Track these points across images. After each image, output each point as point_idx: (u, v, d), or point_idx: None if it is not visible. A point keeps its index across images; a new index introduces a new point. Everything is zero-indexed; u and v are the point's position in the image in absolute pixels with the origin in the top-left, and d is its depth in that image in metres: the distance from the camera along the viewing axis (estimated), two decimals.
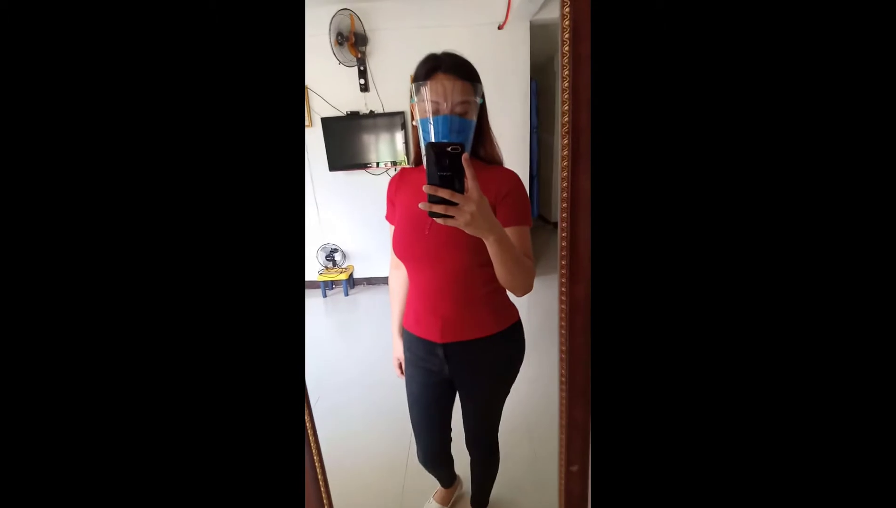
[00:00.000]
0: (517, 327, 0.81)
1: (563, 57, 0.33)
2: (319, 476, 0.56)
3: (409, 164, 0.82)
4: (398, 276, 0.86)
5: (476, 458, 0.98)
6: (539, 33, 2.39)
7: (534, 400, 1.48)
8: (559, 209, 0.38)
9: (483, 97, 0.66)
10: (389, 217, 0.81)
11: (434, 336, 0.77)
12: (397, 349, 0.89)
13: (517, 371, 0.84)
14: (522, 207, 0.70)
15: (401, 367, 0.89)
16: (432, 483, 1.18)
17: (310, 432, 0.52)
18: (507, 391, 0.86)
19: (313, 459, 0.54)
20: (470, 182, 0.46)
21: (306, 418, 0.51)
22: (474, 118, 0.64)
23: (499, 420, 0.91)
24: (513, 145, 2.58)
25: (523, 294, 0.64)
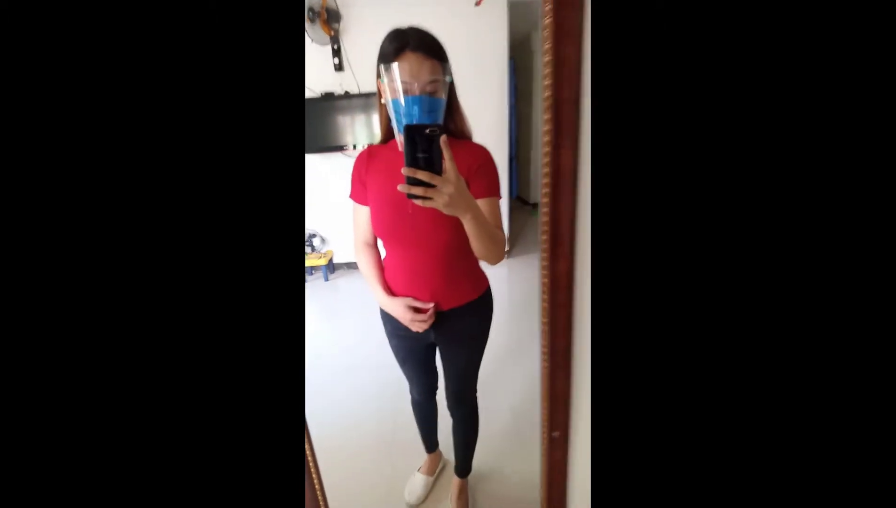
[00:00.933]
0: (488, 291, 0.87)
1: (545, 29, 0.33)
2: (309, 458, 0.57)
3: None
4: (371, 253, 0.86)
5: (458, 417, 1.02)
6: (517, 10, 2.35)
7: (513, 372, 1.53)
8: (540, 185, 0.38)
9: (451, 75, 0.65)
10: (355, 195, 0.80)
11: None
12: (398, 306, 0.84)
13: (489, 330, 0.91)
14: (493, 179, 0.72)
15: (411, 309, 0.84)
16: (417, 458, 1.22)
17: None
18: (483, 349, 0.91)
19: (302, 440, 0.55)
20: (448, 164, 0.47)
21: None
22: (444, 96, 0.64)
23: (476, 378, 0.97)
24: (491, 125, 2.56)
25: (496, 262, 0.67)
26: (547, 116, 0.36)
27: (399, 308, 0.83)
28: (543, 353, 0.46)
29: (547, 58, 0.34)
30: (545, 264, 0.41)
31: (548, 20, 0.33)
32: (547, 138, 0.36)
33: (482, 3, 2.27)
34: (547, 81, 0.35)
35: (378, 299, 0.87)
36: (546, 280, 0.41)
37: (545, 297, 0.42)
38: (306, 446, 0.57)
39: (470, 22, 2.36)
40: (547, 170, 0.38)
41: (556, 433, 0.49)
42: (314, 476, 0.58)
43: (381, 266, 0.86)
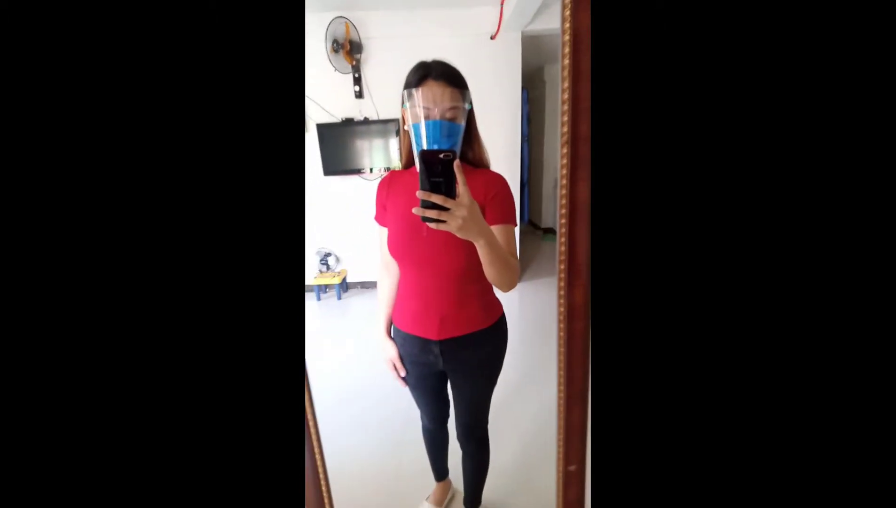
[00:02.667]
0: (503, 319, 0.86)
1: (563, 69, 0.35)
2: (321, 476, 0.56)
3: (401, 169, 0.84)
4: (385, 283, 0.88)
5: (468, 451, 1.00)
6: (530, 44, 2.44)
7: (525, 400, 1.50)
8: (558, 216, 0.39)
9: (471, 103, 0.69)
10: (379, 218, 0.82)
11: (431, 334, 0.80)
12: (389, 350, 0.91)
13: (502, 360, 0.90)
14: (509, 207, 0.73)
15: (395, 366, 0.91)
16: (424, 486, 1.19)
17: (313, 434, 0.53)
18: (496, 381, 0.90)
19: (315, 459, 0.54)
20: (461, 188, 0.48)
21: (310, 419, 0.51)
22: (463, 123, 0.66)
23: (488, 411, 0.96)
24: (504, 153, 2.61)
25: (509, 290, 0.68)
26: (564, 151, 0.38)
27: (386, 352, 0.89)
28: (559, 384, 0.46)
29: (565, 96, 0.36)
30: (562, 293, 0.41)
31: (566, 61, 0.35)
32: (564, 172, 0.38)
33: (497, 37, 2.36)
34: (565, 118, 0.36)
35: (379, 331, 0.90)
36: (563, 310, 0.42)
37: (561, 327, 0.43)
38: (319, 467, 0.56)
39: (486, 54, 2.45)
40: (564, 202, 0.39)
41: (572, 467, 0.48)
42: (325, 497, 0.57)
43: (393, 295, 0.88)
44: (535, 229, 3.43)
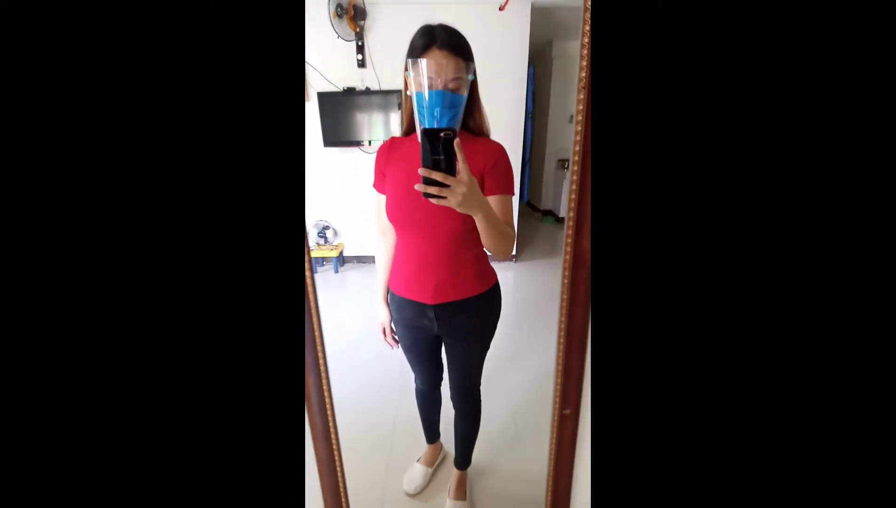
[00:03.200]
0: (496, 287, 0.89)
1: (584, 35, 0.35)
2: (333, 434, 0.58)
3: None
4: (383, 247, 0.90)
5: (460, 409, 1.05)
6: (539, 17, 2.37)
7: (516, 374, 1.54)
8: (571, 162, 0.40)
9: (475, 73, 0.69)
10: (377, 185, 0.83)
11: (426, 299, 0.82)
12: (383, 314, 0.93)
13: (496, 326, 0.93)
14: (507, 176, 0.75)
15: (385, 332, 0.94)
16: (417, 449, 1.22)
17: (326, 395, 0.55)
18: (489, 345, 0.94)
19: (327, 423, 0.56)
20: (461, 165, 0.50)
21: (323, 383, 0.53)
22: (465, 93, 0.67)
23: (481, 371, 1.01)
24: (507, 129, 2.57)
25: (504, 257, 0.71)
26: (578, 129, 0.39)
27: (379, 317, 0.92)
28: (560, 332, 0.48)
29: (582, 74, 0.37)
30: (569, 240, 0.43)
31: (587, 27, 0.36)
32: (580, 118, 0.39)
33: (506, 7, 2.29)
34: (581, 96, 0.37)
35: (377, 295, 0.93)
36: (568, 256, 0.43)
37: (566, 274, 0.44)
38: (331, 426, 0.59)
39: (494, 25, 2.39)
40: (577, 158, 0.41)
41: (567, 411, 0.51)
42: (337, 465, 0.60)
43: (390, 263, 0.90)
44: (533, 210, 3.41)
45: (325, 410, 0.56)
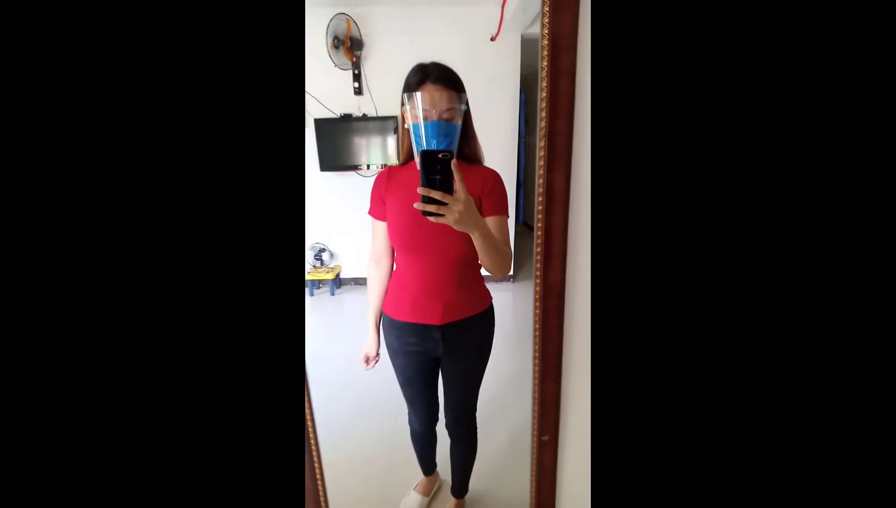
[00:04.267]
0: (492, 307, 0.93)
1: (543, 70, 0.38)
2: (317, 469, 0.59)
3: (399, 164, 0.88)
4: (380, 270, 0.93)
5: (457, 438, 1.05)
6: (529, 46, 2.46)
7: (514, 395, 1.53)
8: (535, 203, 0.43)
9: (467, 104, 0.73)
10: (375, 212, 0.87)
11: (434, 319, 0.85)
12: (371, 342, 0.95)
13: (492, 344, 0.96)
14: (503, 200, 0.79)
15: (367, 360, 0.96)
16: (413, 477, 1.22)
17: (310, 429, 0.55)
18: (486, 365, 0.96)
19: (311, 453, 0.57)
20: (458, 185, 0.53)
21: (307, 414, 0.54)
22: (459, 122, 0.72)
23: (477, 395, 1.02)
24: (501, 153, 2.63)
25: (501, 276, 0.74)
26: (542, 144, 0.42)
27: (367, 344, 0.95)
28: (535, 359, 0.50)
29: (544, 94, 0.40)
30: (538, 273, 0.45)
31: (544, 63, 0.39)
32: (542, 163, 0.41)
33: (498, 38, 2.39)
34: (543, 114, 0.40)
35: (367, 320, 0.95)
36: (538, 289, 0.45)
37: (538, 304, 0.46)
38: (315, 456, 0.59)
39: (486, 55, 2.48)
40: (542, 190, 0.43)
41: (545, 437, 0.52)
42: (319, 485, 0.60)
43: (384, 289, 0.93)
44: (529, 229, 3.44)
45: (308, 443, 0.56)
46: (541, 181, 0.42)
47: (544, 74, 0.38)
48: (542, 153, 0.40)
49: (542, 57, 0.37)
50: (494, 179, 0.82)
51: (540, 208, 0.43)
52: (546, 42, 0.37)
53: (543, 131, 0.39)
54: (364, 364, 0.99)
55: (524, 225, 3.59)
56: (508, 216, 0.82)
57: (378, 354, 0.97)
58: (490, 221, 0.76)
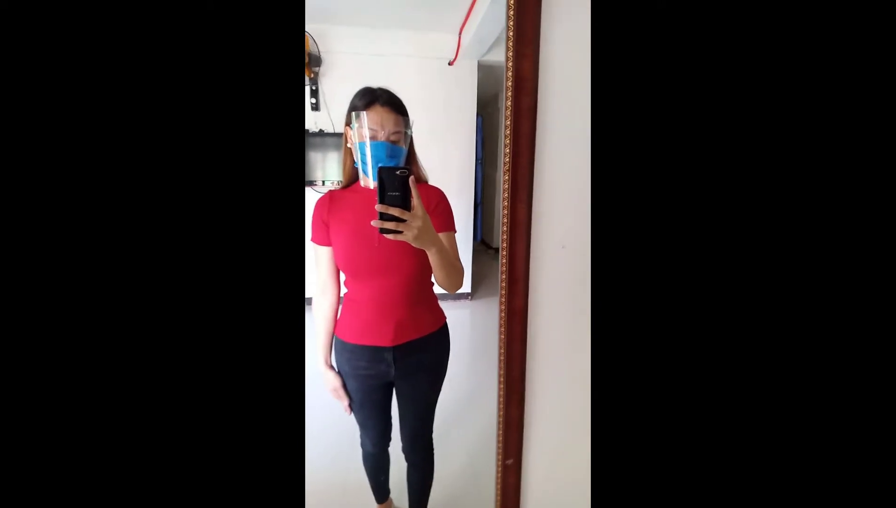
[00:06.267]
0: (446, 326, 0.93)
1: (507, 108, 0.41)
2: None
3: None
4: (326, 301, 0.91)
5: (413, 460, 1.04)
6: (486, 73, 2.58)
7: (471, 412, 1.54)
8: (500, 232, 0.45)
9: (411, 128, 0.76)
10: (318, 238, 0.86)
11: (385, 341, 0.84)
12: (332, 380, 0.92)
13: (447, 366, 0.98)
14: (449, 216, 0.83)
15: (339, 392, 0.92)
16: (370, 503, 1.17)
17: None
18: (441, 387, 0.96)
19: None
20: (415, 200, 0.54)
21: None
22: (405, 147, 0.74)
23: (433, 418, 1.01)
24: (459, 174, 2.71)
25: (455, 291, 0.77)
26: (506, 177, 0.44)
27: (328, 382, 0.93)
28: (500, 383, 0.51)
29: (507, 131, 0.42)
30: (503, 299, 0.47)
31: (508, 102, 0.41)
32: (506, 194, 0.43)
33: (455, 63, 2.47)
34: (507, 149, 0.42)
35: (318, 359, 0.92)
36: (503, 313, 0.47)
37: (502, 329, 0.48)
38: None
39: (443, 79, 2.56)
40: (505, 220, 0.45)
41: (509, 461, 0.52)
42: None
43: (332, 320, 0.91)
44: (487, 248, 3.52)
45: None
46: (505, 212, 0.44)
47: (508, 112, 0.40)
48: (506, 186, 0.42)
49: (507, 98, 0.40)
50: (439, 196, 0.85)
51: (504, 236, 0.45)
52: (510, 83, 0.39)
53: (507, 166, 0.41)
54: (339, 400, 0.94)
55: (482, 243, 3.68)
56: (456, 231, 0.84)
57: (345, 385, 0.93)
58: (440, 236, 0.77)
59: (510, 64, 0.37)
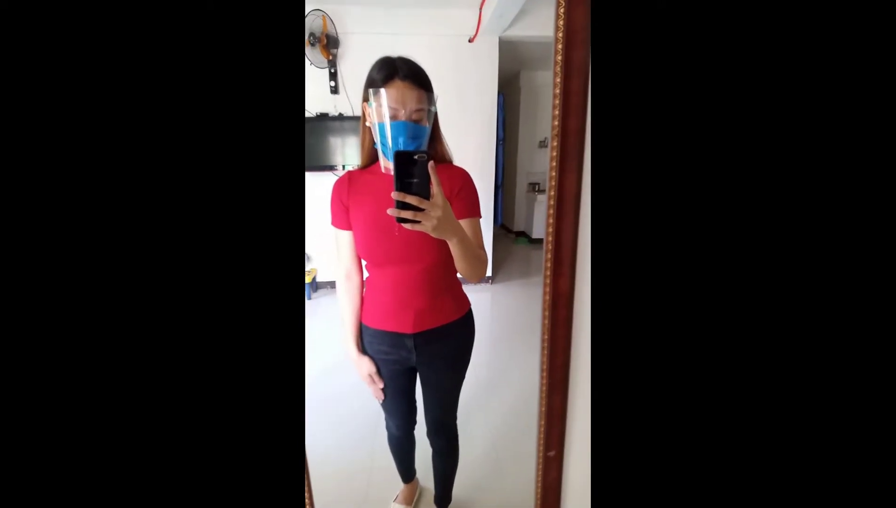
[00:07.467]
0: (470, 313, 0.89)
1: (556, 64, 0.36)
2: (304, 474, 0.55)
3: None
4: (352, 288, 0.87)
5: (438, 448, 1.02)
6: (507, 49, 2.48)
7: (494, 398, 1.52)
8: (546, 207, 0.41)
9: (435, 104, 0.69)
10: (338, 222, 0.81)
11: (406, 328, 0.80)
12: (365, 366, 0.88)
13: (471, 353, 0.91)
14: (474, 200, 0.76)
15: (374, 377, 0.89)
16: (393, 487, 1.18)
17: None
18: (465, 374, 0.92)
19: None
20: (435, 188, 0.49)
21: None
22: (428, 125, 0.67)
23: (457, 404, 0.99)
24: (478, 156, 2.64)
25: (478, 281, 0.70)
26: (554, 144, 0.39)
27: (362, 368, 0.88)
28: (542, 371, 0.47)
29: (557, 91, 0.37)
30: (547, 281, 0.43)
31: (559, 57, 0.37)
32: (553, 164, 0.39)
33: (475, 40, 2.38)
34: (556, 112, 0.38)
35: (347, 346, 0.89)
36: (547, 297, 0.43)
37: (546, 314, 0.44)
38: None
39: (463, 56, 2.48)
40: (553, 193, 0.41)
41: (551, 453, 0.50)
42: (307, 500, 0.56)
43: (359, 306, 0.87)
44: (507, 232, 3.48)
45: None
46: (552, 183, 0.39)
47: (557, 69, 0.36)
48: (554, 154, 0.38)
49: (556, 51, 0.35)
50: (464, 178, 0.75)
51: (550, 211, 0.41)
52: (561, 35, 0.34)
53: (556, 131, 0.37)
54: (372, 386, 0.92)
55: (502, 227, 3.63)
56: (481, 217, 0.77)
57: (379, 371, 0.90)
58: (463, 223, 0.70)
59: (562, 10, 0.33)
